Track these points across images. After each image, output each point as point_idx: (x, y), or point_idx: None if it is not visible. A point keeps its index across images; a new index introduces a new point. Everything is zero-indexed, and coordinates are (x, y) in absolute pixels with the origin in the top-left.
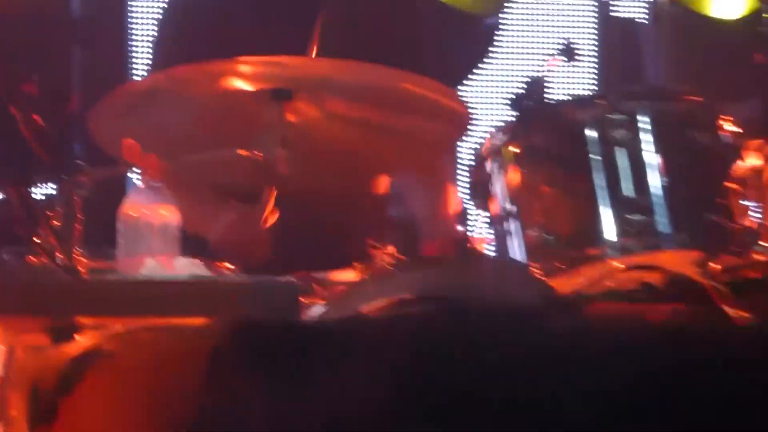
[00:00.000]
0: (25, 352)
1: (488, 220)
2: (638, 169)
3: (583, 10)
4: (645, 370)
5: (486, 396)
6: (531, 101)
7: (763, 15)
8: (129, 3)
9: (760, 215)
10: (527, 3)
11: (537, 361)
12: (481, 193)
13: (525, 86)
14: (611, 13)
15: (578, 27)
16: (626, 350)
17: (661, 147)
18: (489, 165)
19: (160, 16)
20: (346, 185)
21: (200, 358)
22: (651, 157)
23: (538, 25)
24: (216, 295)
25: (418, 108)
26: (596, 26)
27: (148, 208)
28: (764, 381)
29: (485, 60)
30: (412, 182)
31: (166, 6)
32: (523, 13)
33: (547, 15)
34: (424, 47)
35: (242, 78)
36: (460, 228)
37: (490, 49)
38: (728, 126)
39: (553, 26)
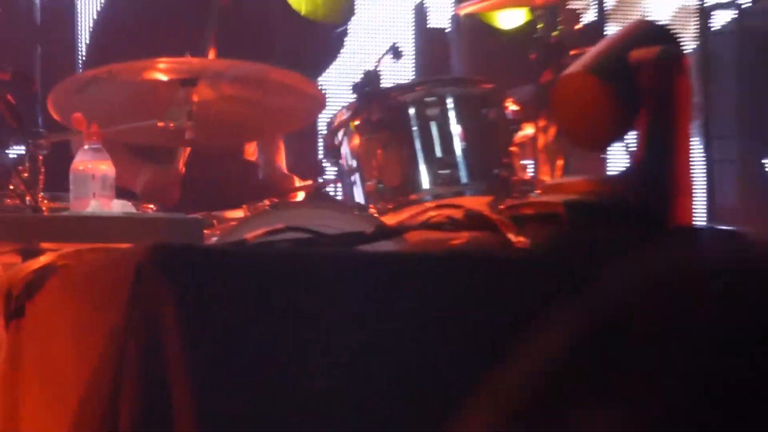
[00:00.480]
0: (2, 267)
1: (338, 174)
2: (446, 136)
3: (405, 22)
4: (446, 279)
5: (335, 300)
6: (368, 87)
7: (537, 26)
8: (77, 12)
9: (533, 171)
10: (366, 16)
11: (369, 272)
12: (333, 154)
13: (364, 76)
14: (426, 24)
15: (402, 34)
16: (435, 263)
17: (462, 120)
18: (339, 134)
19: (96, 22)
20: (234, 147)
21: (129, 271)
22: (455, 128)
23: (373, 33)
24: (141, 227)
25: (284, 93)
26: (415, 33)
27: (92, 164)
28: (535, 286)
29: (337, 56)
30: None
31: (101, 10)
32: (363, 23)
33: (380, 25)
34: (294, 49)
35: (160, 71)
36: (320, 179)
37: (341, 49)
38: (511, 105)
39: (384, 33)
